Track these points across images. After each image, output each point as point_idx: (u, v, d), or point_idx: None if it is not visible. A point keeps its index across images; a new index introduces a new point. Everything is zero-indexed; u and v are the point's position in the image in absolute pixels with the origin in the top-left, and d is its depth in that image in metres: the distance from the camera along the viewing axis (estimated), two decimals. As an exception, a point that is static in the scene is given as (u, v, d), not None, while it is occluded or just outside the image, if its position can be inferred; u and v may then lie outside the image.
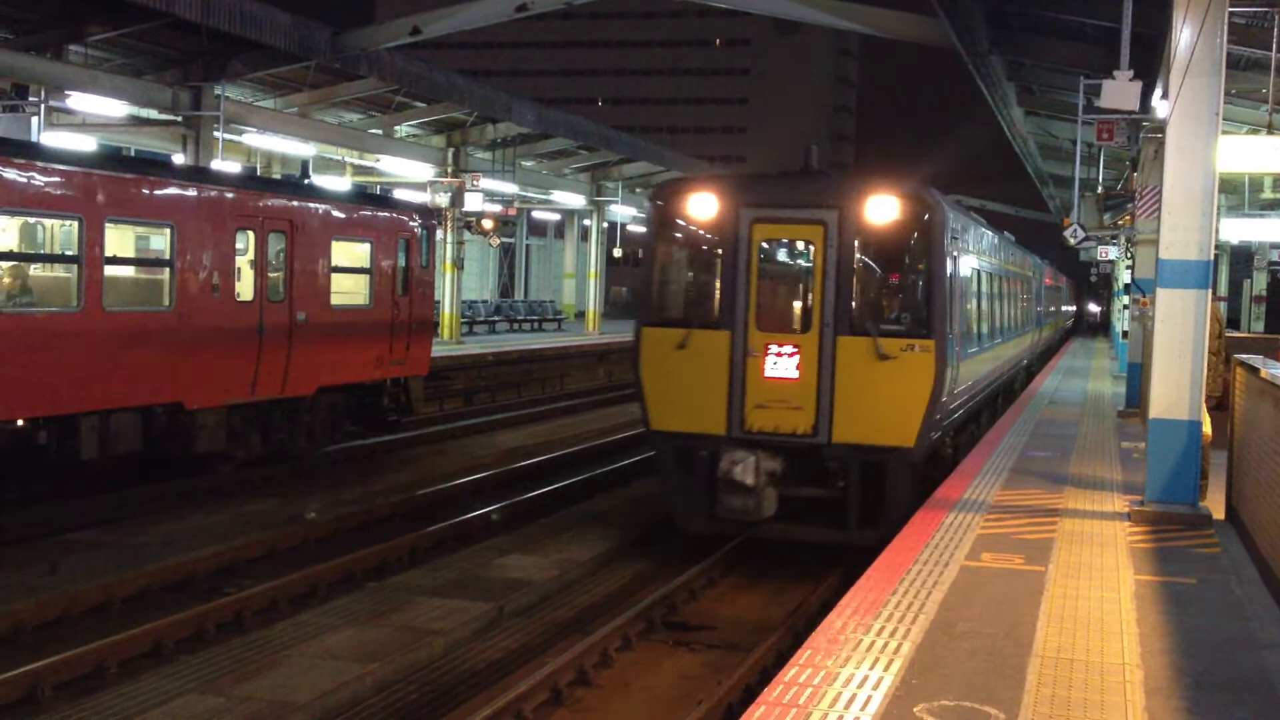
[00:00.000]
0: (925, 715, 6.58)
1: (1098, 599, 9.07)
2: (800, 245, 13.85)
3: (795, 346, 13.35)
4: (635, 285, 14.41)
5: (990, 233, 21.03)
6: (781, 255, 14.31)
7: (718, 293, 13.72)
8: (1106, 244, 35.03)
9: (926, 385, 13.05)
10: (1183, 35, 11.72)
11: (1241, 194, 30.99)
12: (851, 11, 24.04)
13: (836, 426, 13.20)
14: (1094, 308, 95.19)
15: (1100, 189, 29.06)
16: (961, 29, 21.31)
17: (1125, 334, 29.11)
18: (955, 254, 14.42)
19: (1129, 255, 30.45)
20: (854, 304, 13.28)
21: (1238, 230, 30.92)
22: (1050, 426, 20.14)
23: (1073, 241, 25.54)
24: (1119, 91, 14.30)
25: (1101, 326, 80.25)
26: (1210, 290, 12.14)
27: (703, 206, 13.76)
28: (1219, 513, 12.58)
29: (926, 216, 13.49)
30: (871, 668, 7.31)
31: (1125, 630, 8.29)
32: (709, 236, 14.01)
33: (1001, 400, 24.18)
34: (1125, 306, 31.08)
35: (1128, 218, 25.89)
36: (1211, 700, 7.03)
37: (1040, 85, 27.30)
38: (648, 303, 14.15)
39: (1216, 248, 13.12)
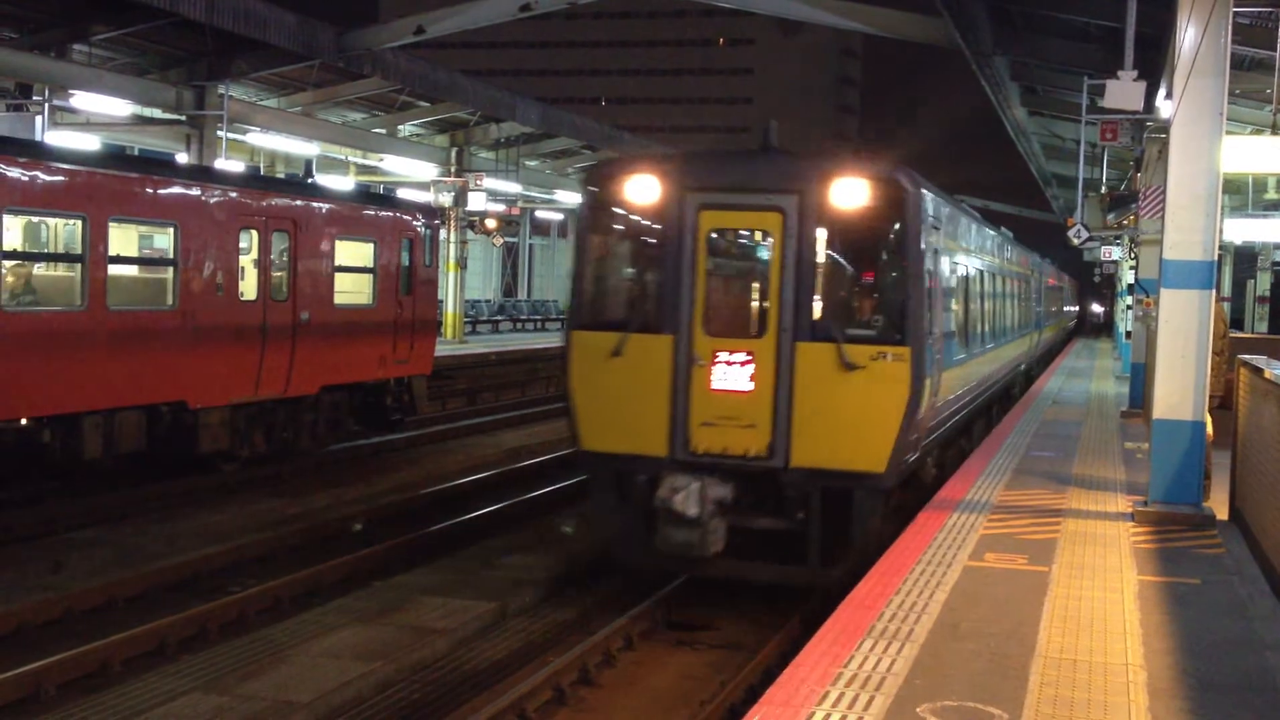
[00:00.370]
0: (928, 715, 6.57)
1: (1101, 599, 9.07)
2: (755, 236, 12.11)
3: (748, 354, 11.57)
4: (567, 283, 12.86)
5: (981, 226, 19.50)
6: (733, 247, 12.45)
7: (659, 291, 11.93)
8: (1110, 244, 34.99)
9: (900, 399, 11.31)
10: (1187, 35, 11.71)
11: (1245, 194, 30.97)
12: (855, 11, 24.04)
13: (795, 448, 11.42)
14: (1097, 308, 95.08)
15: (1104, 189, 29.02)
16: (965, 28, 21.31)
17: (1128, 334, 29.08)
18: (937, 247, 12.89)
19: (1132, 255, 30.47)
20: (817, 305, 11.58)
21: (1241, 231, 30.86)
22: (1053, 427, 20.13)
23: (1076, 242, 25.49)
24: (1123, 91, 14.27)
25: (1105, 327, 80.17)
26: (1214, 291, 12.13)
27: (642, 190, 11.94)
28: (1222, 513, 12.57)
29: (901, 202, 11.63)
30: (874, 667, 7.31)
31: (1129, 631, 8.29)
32: (650, 225, 12.16)
33: (997, 409, 22.86)
34: (1128, 307, 31.05)
35: (1131, 218, 25.86)
36: (1215, 701, 7.02)
37: (1044, 85, 27.28)
38: (579, 303, 12.31)
39: (1220, 248, 13.07)
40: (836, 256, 11.92)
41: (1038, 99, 28.91)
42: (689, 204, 11.78)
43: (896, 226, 11.75)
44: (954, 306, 14.74)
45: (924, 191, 12.11)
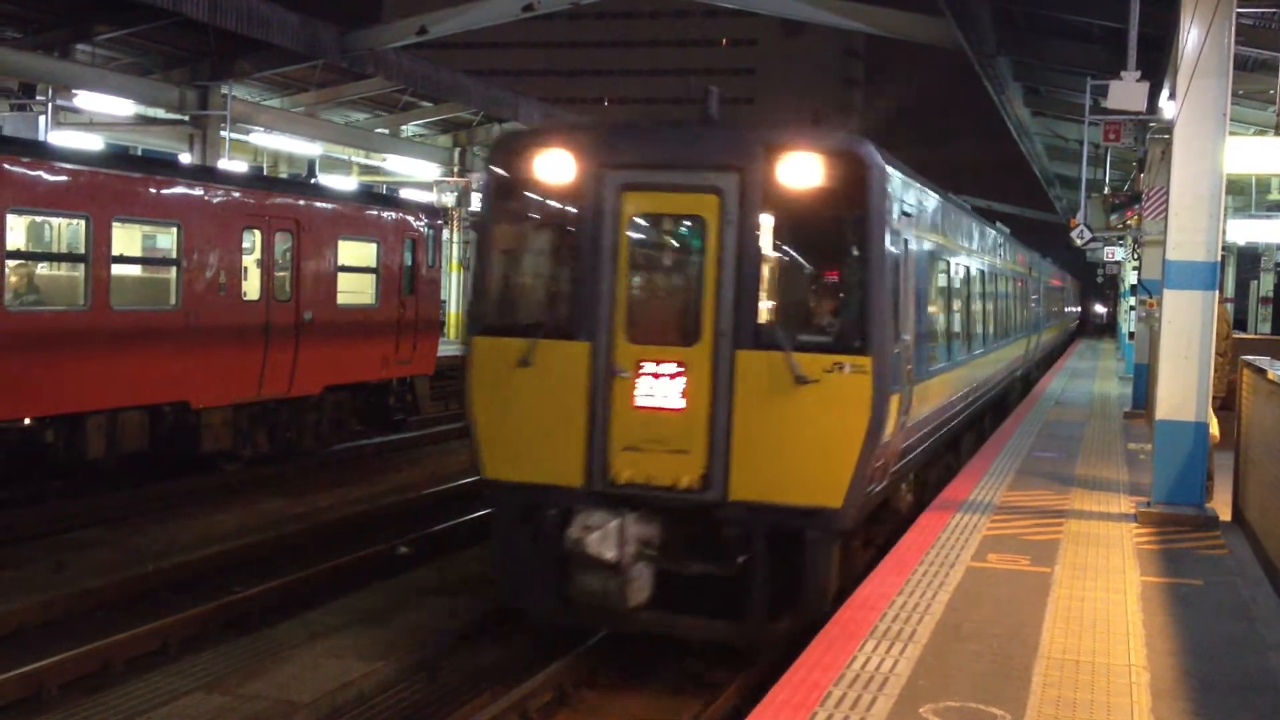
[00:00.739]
0: (931, 716, 6.57)
1: (1104, 600, 9.06)
2: (688, 223, 10.22)
3: (679, 364, 9.75)
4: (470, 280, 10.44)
5: (969, 217, 17.50)
6: (662, 237, 10.59)
7: (573, 289, 10.17)
8: (1113, 245, 34.99)
9: (860, 419, 9.47)
10: (1190, 36, 11.70)
11: (1248, 195, 30.96)
12: (858, 12, 24.03)
13: (735, 478, 9.62)
14: (1100, 309, 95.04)
15: (1107, 190, 29.02)
16: (968, 29, 21.31)
17: (1131, 335, 29.08)
18: (908, 237, 11.08)
19: (1135, 256, 30.45)
20: (761, 305, 9.83)
21: (1245, 231, 30.90)
22: (1056, 427, 20.11)
23: (1079, 242, 25.49)
24: (1126, 92, 14.26)
25: (1107, 328, 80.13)
26: (1218, 291, 12.12)
27: (554, 167, 10.10)
28: (1225, 514, 12.55)
29: (862, 181, 9.74)
30: (877, 668, 7.30)
31: (1131, 632, 8.28)
32: (564, 210, 10.34)
33: (990, 420, 21.28)
34: (1132, 308, 31.05)
35: (1135, 218, 25.86)
36: (1218, 702, 7.02)
37: (1047, 86, 27.29)
38: (481, 303, 10.53)
39: (1223, 249, 13.05)
40: (785, 247, 10.14)
41: (1041, 99, 28.91)
42: (609, 184, 9.97)
43: (857, 211, 9.78)
44: (933, 307, 13.08)
45: (891, 170, 10.30)
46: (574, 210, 10.19)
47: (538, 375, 9.99)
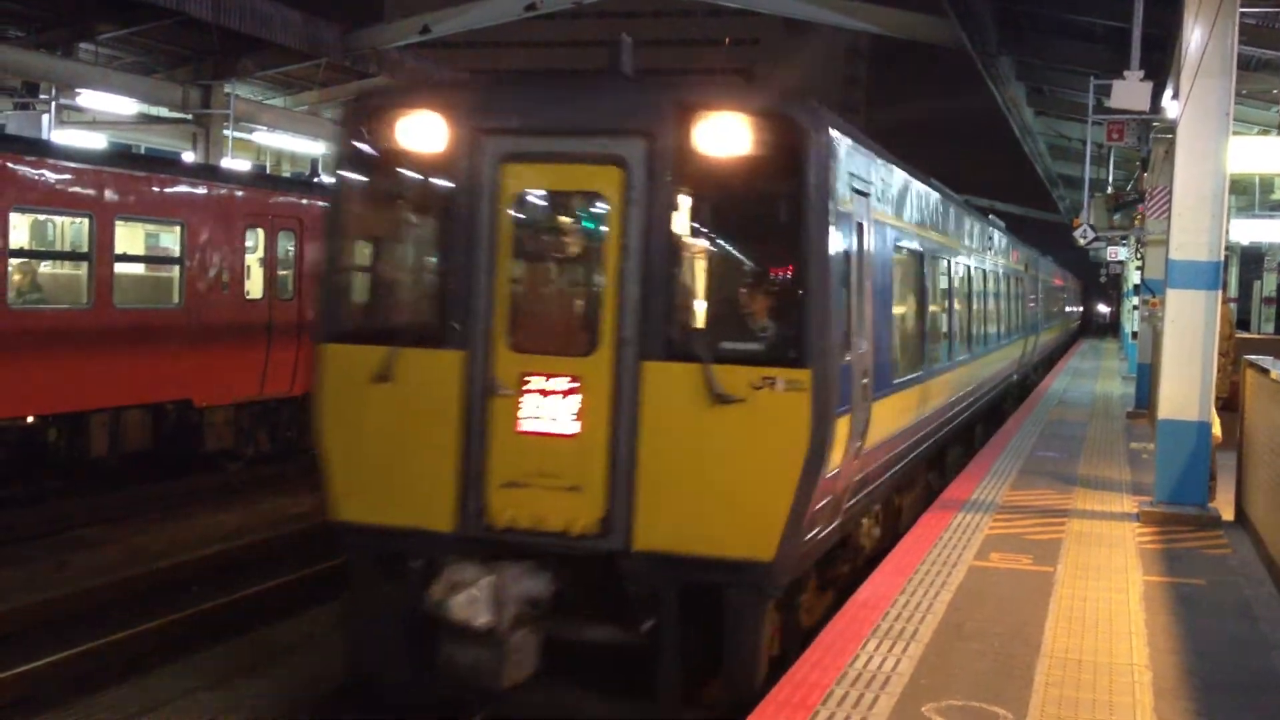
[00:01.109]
0: (933, 715, 6.57)
1: (1106, 600, 9.05)
2: (584, 202, 8.32)
3: (573, 379, 7.84)
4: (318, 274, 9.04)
5: (948, 202, 14.85)
6: (553, 219, 8.50)
7: (442, 285, 8.27)
8: (1116, 244, 34.98)
9: (796, 448, 7.57)
10: (1194, 35, 11.69)
11: (1252, 195, 30.93)
12: (861, 11, 24.01)
13: (641, 522, 7.70)
14: (1103, 308, 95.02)
15: (1110, 190, 29.01)
16: (971, 28, 21.31)
17: (1135, 335, 29.08)
18: (864, 221, 9.19)
19: (1139, 256, 30.44)
20: (673, 305, 7.88)
21: (1248, 231, 30.86)
22: (1059, 427, 20.10)
23: (1082, 242, 25.50)
24: (1129, 92, 14.26)
25: (1110, 327, 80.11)
26: (1221, 291, 12.12)
27: (420, 133, 8.19)
28: (1228, 514, 12.55)
29: (799, 150, 7.83)
30: (879, 667, 7.30)
31: (1134, 631, 8.27)
32: (432, 186, 8.47)
33: (982, 429, 19.77)
34: (1135, 307, 31.05)
35: (1138, 219, 25.87)
36: (1221, 701, 7.02)
37: (1050, 85, 27.28)
38: (331, 302, 8.62)
39: (1226, 249, 13.04)
40: (705, 231, 8.27)
41: (1044, 99, 28.90)
42: (486, 154, 8.05)
43: (794, 186, 7.84)
44: (902, 308, 11.35)
45: (839, 138, 8.41)
46: (444, 186, 8.25)
47: (399, 393, 8.04)
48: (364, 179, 8.67)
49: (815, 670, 7.22)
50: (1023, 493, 13.48)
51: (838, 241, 8.22)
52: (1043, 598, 9.04)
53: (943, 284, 14.28)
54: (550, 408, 7.87)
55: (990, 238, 19.96)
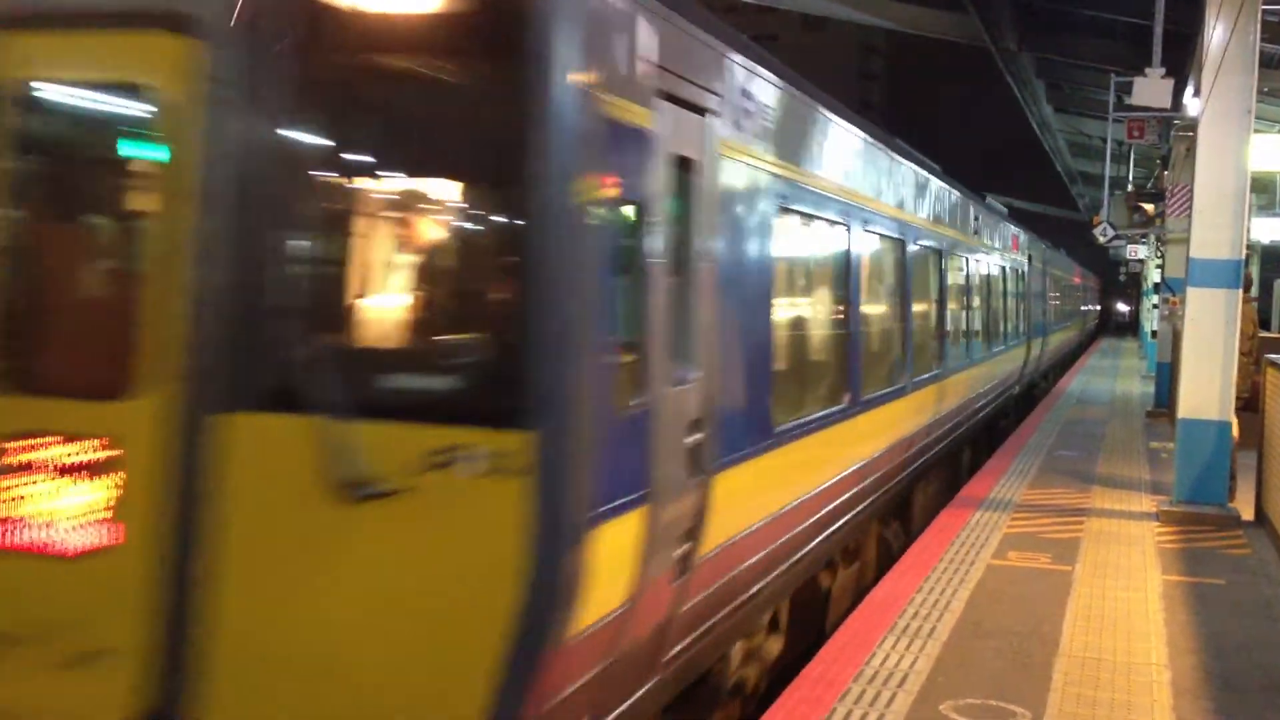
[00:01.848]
0: (951, 713, 6.56)
1: (1125, 599, 9.03)
2: (124, 103, 4.74)
3: (99, 445, 4.43)
4: None
5: (881, 150, 10.22)
6: (67, 137, 5.07)
7: None
8: (1136, 243, 34.85)
9: (502, 588, 4.10)
10: (1215, 32, 11.64)
11: (1273, 193, 30.76)
12: (880, 7, 23.99)
13: (219, 716, 4.32)
14: (1123, 307, 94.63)
15: (1130, 187, 28.91)
16: (990, 25, 21.28)
17: (1154, 333, 28.97)
18: (687, 150, 5.41)
19: (1159, 254, 30.33)
20: (282, 303, 4.33)
21: (1269, 230, 30.70)
22: (1077, 426, 20.04)
23: (1102, 240, 25.42)
24: (1150, 89, 14.22)
25: (1129, 326, 79.77)
26: (1242, 290, 12.07)
27: None
28: (1248, 514, 12.49)
29: (522, 15, 4.17)
30: (897, 664, 7.29)
31: (1153, 630, 8.25)
32: None
33: (970, 453, 17.34)
34: (1154, 306, 30.93)
35: (1158, 217, 25.75)
36: (1240, 701, 6.99)
37: (1070, 83, 27.21)
38: None
39: (1247, 247, 12.99)
40: (347, 160, 4.64)
41: (1064, 96, 28.85)
42: None
43: (510, 70, 4.22)
44: (790, 308, 7.69)
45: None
46: None
47: None
48: None
49: (833, 667, 7.23)
50: (1041, 491, 13.44)
51: (619, 183, 4.64)
52: (1061, 596, 9.02)
53: (885, 275, 10.59)
54: (51, 500, 4.47)
55: (977, 217, 15.98)
